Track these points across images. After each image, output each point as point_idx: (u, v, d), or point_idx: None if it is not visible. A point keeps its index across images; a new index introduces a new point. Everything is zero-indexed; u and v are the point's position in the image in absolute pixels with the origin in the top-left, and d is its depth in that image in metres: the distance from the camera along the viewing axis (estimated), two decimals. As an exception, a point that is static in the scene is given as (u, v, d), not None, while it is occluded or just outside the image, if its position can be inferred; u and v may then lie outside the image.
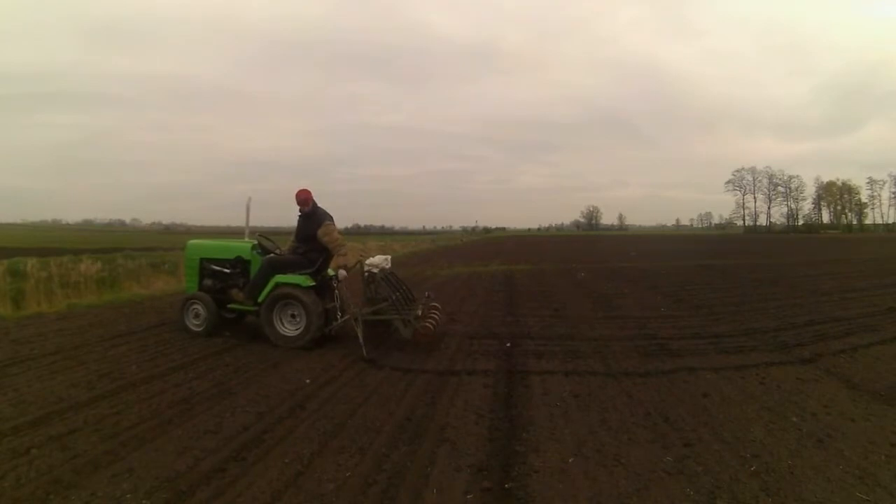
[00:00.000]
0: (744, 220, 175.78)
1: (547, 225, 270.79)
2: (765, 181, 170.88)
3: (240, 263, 10.84)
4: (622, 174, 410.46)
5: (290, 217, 10.55)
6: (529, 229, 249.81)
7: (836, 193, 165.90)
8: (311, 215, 10.27)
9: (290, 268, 10.13)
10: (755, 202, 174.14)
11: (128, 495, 4.57)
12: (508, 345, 9.91)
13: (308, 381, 7.84)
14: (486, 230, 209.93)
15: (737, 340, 10.27)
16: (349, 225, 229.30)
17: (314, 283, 10.07)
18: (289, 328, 10.00)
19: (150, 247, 38.46)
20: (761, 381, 7.76)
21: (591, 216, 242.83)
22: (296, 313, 9.96)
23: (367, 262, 10.58)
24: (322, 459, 5.27)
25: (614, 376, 7.95)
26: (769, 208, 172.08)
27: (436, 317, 10.53)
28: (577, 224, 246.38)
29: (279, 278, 10.00)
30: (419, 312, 10.16)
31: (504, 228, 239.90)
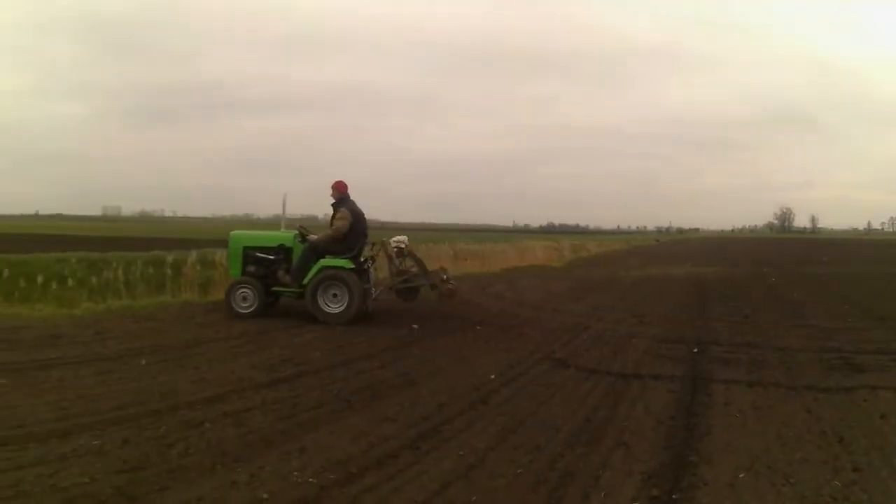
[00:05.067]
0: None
1: (740, 226, 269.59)
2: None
3: (283, 251, 12.16)
4: (812, 173, 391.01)
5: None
6: (723, 231, 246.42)
7: None
8: (338, 204, 11.95)
9: (330, 253, 11.60)
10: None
11: (295, 472, 4.68)
12: (696, 350, 9.83)
13: (493, 376, 7.89)
14: (680, 231, 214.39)
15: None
16: (543, 223, 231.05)
17: (354, 266, 11.57)
18: (332, 306, 11.39)
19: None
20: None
21: (785, 218, 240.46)
22: (337, 293, 11.40)
23: (394, 239, 12.76)
24: (497, 454, 5.23)
25: (796, 389, 7.52)
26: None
27: (454, 284, 12.78)
28: (770, 226, 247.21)
29: (325, 262, 11.47)
30: (444, 277, 12.56)
31: (698, 229, 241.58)
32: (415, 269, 12.63)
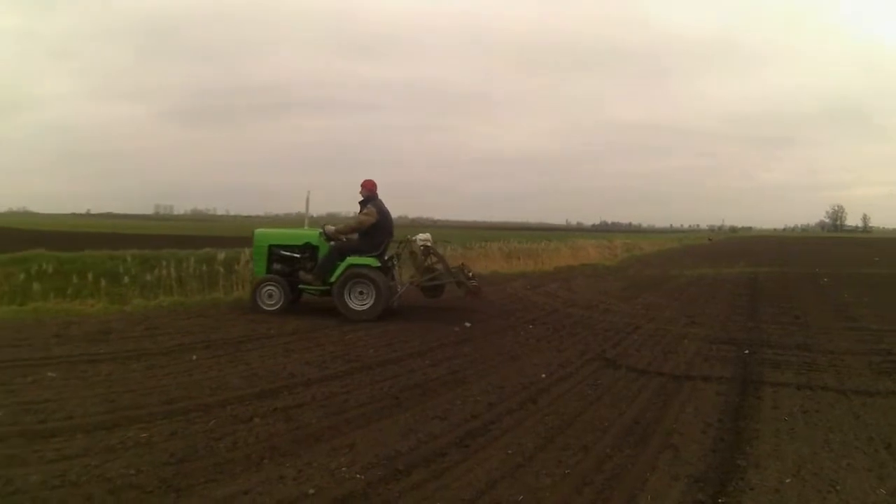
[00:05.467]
0: None
1: (792, 225, 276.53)
2: None
3: (308, 249, 12.58)
4: (863, 171, 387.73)
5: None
6: (775, 229, 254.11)
7: None
8: (366, 202, 12.39)
9: (356, 251, 11.99)
10: None
11: (343, 468, 4.77)
12: (747, 352, 9.82)
13: (543, 375, 7.96)
14: (733, 230, 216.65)
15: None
16: (596, 222, 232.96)
17: (380, 265, 11.97)
18: (358, 304, 11.77)
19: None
20: None
21: (836, 216, 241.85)
22: (364, 290, 11.78)
23: (420, 237, 13.35)
24: (544, 454, 5.29)
25: (845, 393, 7.53)
26: None
27: (477, 281, 13.40)
28: (822, 225, 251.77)
29: (352, 260, 11.81)
30: (470, 274, 13.28)
31: (750, 228, 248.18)
32: (439, 267, 13.19)
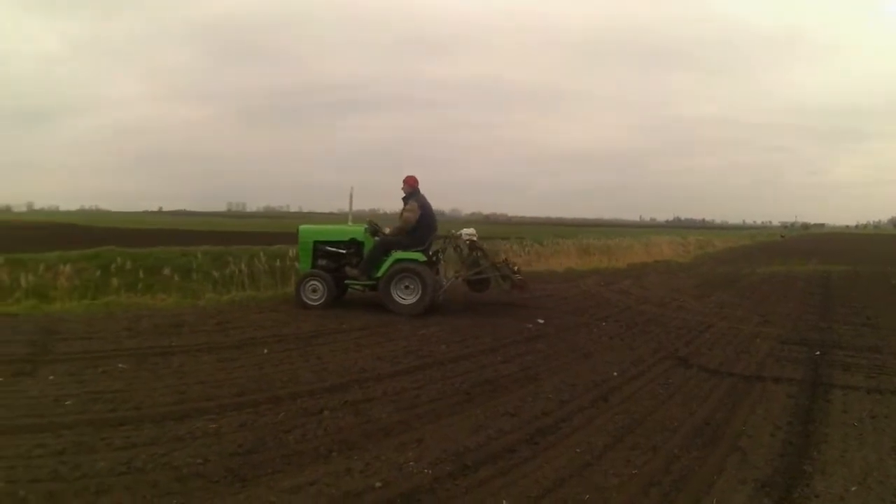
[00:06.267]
0: None
1: (864, 221, 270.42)
2: None
3: (354, 244, 12.77)
4: None
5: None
6: (847, 226, 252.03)
7: None
8: (408, 198, 12.60)
9: (400, 246, 12.22)
10: None
11: (411, 463, 4.88)
12: (818, 353, 9.78)
13: (615, 373, 7.98)
14: (805, 226, 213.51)
15: None
16: (670, 218, 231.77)
17: (426, 259, 12.23)
18: (405, 298, 11.99)
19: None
20: None
21: None
22: (409, 285, 12.04)
23: (465, 232, 13.50)
24: (613, 453, 5.37)
25: None
26: None
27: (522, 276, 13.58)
28: (893, 221, 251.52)
29: (398, 255, 12.07)
30: (515, 269, 13.60)
31: (823, 225, 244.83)
32: (484, 261, 13.37)
